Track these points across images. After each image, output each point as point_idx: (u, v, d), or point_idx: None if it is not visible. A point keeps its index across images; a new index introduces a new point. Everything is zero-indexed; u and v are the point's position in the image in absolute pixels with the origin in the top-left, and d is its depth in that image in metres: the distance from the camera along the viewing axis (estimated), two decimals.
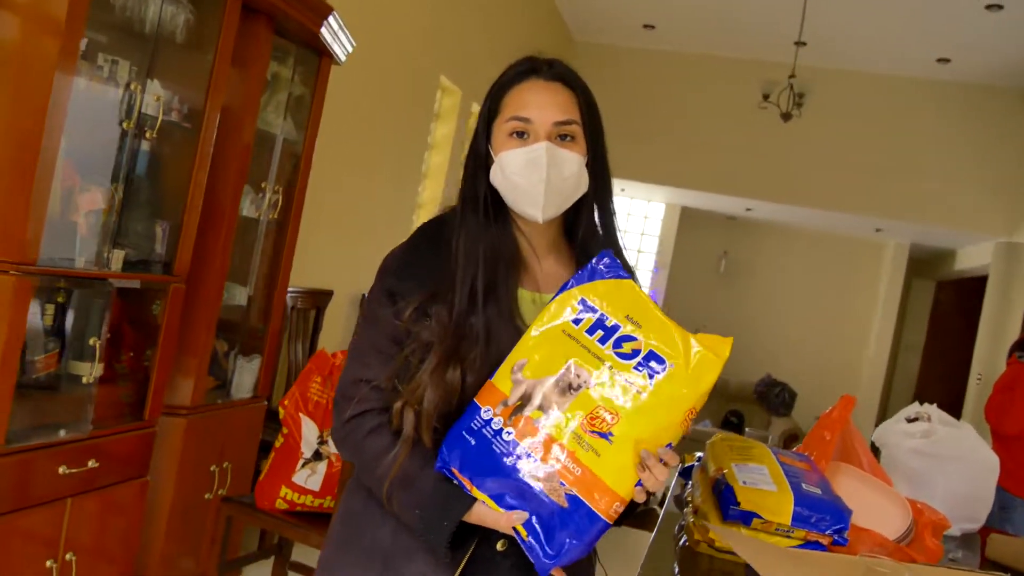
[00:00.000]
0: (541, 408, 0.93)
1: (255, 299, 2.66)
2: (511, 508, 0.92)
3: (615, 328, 0.95)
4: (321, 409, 2.11)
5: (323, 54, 2.66)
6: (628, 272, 1.02)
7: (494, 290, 1.02)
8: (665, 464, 0.90)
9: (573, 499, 0.90)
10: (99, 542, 1.97)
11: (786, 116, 5.59)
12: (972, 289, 7.44)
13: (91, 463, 1.88)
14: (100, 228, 1.89)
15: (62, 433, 1.84)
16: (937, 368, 8.33)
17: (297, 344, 3.17)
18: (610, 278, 0.98)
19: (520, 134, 1.04)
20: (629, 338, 0.94)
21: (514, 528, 0.93)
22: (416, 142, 4.62)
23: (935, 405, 1.91)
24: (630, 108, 6.75)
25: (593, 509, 0.89)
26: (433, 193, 4.94)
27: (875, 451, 1.83)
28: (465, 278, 1.01)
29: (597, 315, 0.96)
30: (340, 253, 3.74)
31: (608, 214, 1.12)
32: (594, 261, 1.01)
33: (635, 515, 1.01)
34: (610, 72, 6.78)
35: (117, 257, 1.93)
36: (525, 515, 0.91)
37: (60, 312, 1.85)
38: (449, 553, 0.94)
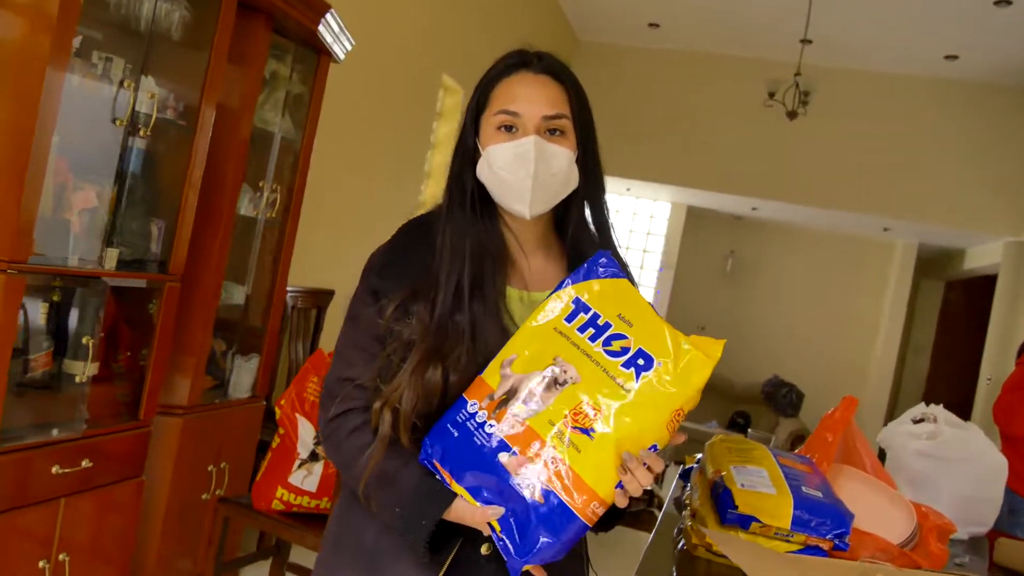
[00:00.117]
0: (525, 403, 0.91)
1: (254, 298, 2.65)
2: (487, 503, 0.90)
3: (606, 326, 0.94)
4: (317, 410, 2.09)
5: (322, 52, 2.65)
6: (625, 272, 1.00)
7: (480, 287, 1.00)
8: (649, 469, 0.88)
9: (549, 495, 0.88)
10: (94, 542, 1.96)
11: (792, 115, 5.54)
12: (981, 289, 7.36)
13: (85, 463, 1.86)
14: (94, 226, 1.88)
15: (55, 432, 1.83)
16: (946, 369, 8.25)
17: (298, 344, 3.15)
18: (606, 277, 0.98)
19: (508, 128, 1.02)
20: (619, 336, 0.92)
21: (489, 524, 0.90)
22: (418, 141, 4.61)
23: (941, 406, 1.88)
24: (635, 107, 6.73)
25: (569, 506, 0.87)
26: (435, 192, 4.93)
27: (881, 454, 1.80)
28: (451, 274, 1.00)
29: (590, 313, 0.95)
30: (341, 253, 3.72)
31: (601, 211, 1.09)
32: (592, 260, 0.99)
33: (624, 519, 0.98)
34: (615, 71, 6.76)
35: (111, 255, 1.92)
36: (501, 510, 0.89)
37: (55, 311, 1.85)
38: (428, 553, 0.92)
